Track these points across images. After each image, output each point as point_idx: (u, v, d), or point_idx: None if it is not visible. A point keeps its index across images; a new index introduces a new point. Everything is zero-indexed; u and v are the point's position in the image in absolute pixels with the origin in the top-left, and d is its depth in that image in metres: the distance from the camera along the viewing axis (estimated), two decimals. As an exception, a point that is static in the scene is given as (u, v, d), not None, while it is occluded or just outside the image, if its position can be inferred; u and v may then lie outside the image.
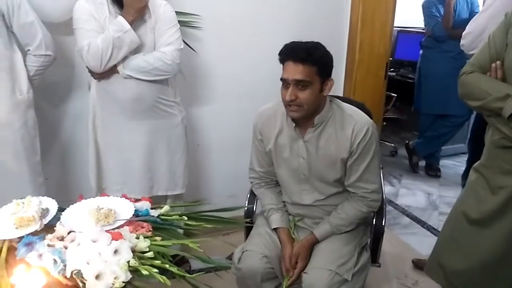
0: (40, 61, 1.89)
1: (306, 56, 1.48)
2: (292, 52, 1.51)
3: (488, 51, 1.56)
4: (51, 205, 1.25)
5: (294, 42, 1.55)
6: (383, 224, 1.79)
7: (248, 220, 1.85)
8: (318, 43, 1.56)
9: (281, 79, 1.54)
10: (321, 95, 1.55)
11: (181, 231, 1.34)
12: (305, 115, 1.56)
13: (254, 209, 1.91)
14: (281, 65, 1.56)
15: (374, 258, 1.80)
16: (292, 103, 1.52)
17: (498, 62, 1.51)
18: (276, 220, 1.72)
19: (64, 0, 1.92)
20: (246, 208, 1.89)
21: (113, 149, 2.00)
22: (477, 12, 3.29)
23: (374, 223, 1.80)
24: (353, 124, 1.58)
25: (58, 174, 2.30)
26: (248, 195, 1.93)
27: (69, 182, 2.33)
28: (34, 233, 1.12)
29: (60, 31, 2.02)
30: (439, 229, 2.52)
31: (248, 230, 1.83)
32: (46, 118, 2.12)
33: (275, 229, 1.72)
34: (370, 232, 1.82)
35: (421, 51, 3.66)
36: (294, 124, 1.63)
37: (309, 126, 1.62)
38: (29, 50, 1.86)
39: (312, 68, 1.49)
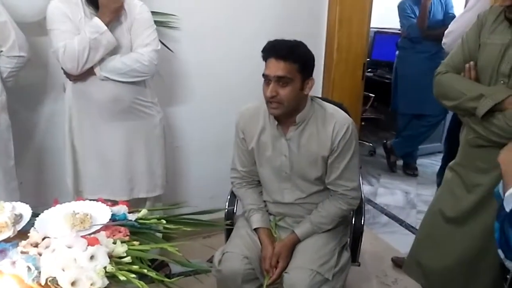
0: (14, 62, 1.84)
1: (288, 54, 1.51)
2: (274, 49, 1.54)
3: (462, 51, 1.59)
4: (25, 210, 1.22)
5: (277, 39, 1.57)
6: (362, 223, 1.80)
7: (228, 222, 1.84)
8: (300, 42, 1.59)
9: (263, 75, 1.56)
10: (302, 93, 1.58)
11: (159, 235, 1.32)
12: (285, 112, 1.58)
13: (235, 211, 1.91)
14: (263, 63, 1.57)
15: (354, 257, 1.81)
16: (272, 100, 1.54)
17: (471, 62, 1.55)
18: (257, 221, 1.72)
19: (37, 0, 1.87)
20: (226, 210, 1.89)
21: (91, 152, 1.97)
22: (452, 13, 3.38)
23: (353, 222, 1.81)
24: (333, 122, 1.61)
25: (34, 177, 2.24)
26: (229, 197, 1.92)
27: (44, 185, 2.28)
28: (7, 240, 1.09)
29: (33, 32, 1.97)
30: (417, 227, 2.56)
31: (229, 233, 1.82)
32: (20, 121, 2.06)
33: (255, 229, 1.72)
34: (350, 232, 1.84)
35: (397, 52, 3.72)
36: (276, 122, 1.65)
37: (291, 125, 1.64)
38: (1, 51, 1.81)
39: (293, 65, 1.51)
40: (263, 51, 1.57)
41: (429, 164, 4.02)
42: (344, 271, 1.69)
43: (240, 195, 1.83)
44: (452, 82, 1.56)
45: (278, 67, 1.51)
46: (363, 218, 1.81)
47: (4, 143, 1.86)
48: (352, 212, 1.80)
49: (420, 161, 3.95)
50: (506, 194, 1.03)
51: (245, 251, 1.65)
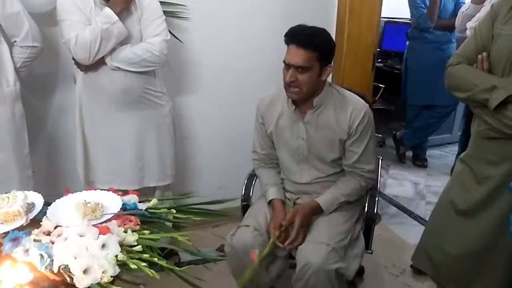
0: (27, 52, 1.85)
1: (308, 42, 1.55)
2: (296, 37, 1.58)
3: (475, 42, 1.57)
4: (37, 199, 1.23)
5: (300, 25, 1.62)
6: (375, 212, 1.84)
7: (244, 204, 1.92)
8: (322, 29, 1.64)
9: (284, 61, 1.61)
10: (319, 79, 1.63)
11: (169, 224, 1.34)
12: (303, 97, 1.65)
13: (251, 194, 1.97)
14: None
15: (366, 245, 1.83)
16: (291, 85, 1.60)
17: (484, 53, 1.53)
18: (272, 193, 1.78)
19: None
20: (243, 191, 1.96)
21: (101, 141, 1.98)
22: (463, 3, 3.33)
23: (366, 210, 1.84)
24: (351, 107, 1.68)
25: (45, 167, 2.27)
26: (246, 181, 1.99)
27: (56, 175, 2.31)
28: (20, 228, 1.10)
29: (43, 22, 1.98)
30: (426, 219, 2.56)
31: (244, 213, 1.88)
32: (31, 110, 2.08)
33: (270, 202, 1.76)
34: (363, 220, 1.86)
35: (407, 42, 3.67)
36: (294, 107, 1.71)
37: (309, 108, 1.70)
38: (15, 41, 1.83)
39: (313, 53, 1.56)
40: (285, 36, 1.61)
41: (439, 155, 4.00)
42: (359, 256, 1.70)
43: (259, 173, 1.91)
44: (464, 73, 1.55)
45: (297, 55, 1.56)
46: (376, 207, 1.84)
47: (18, 132, 1.88)
48: (365, 199, 1.84)
49: (429, 152, 3.92)
50: None
51: (257, 224, 1.71)
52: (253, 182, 1.98)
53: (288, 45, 1.60)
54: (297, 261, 1.60)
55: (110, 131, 1.96)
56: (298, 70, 1.57)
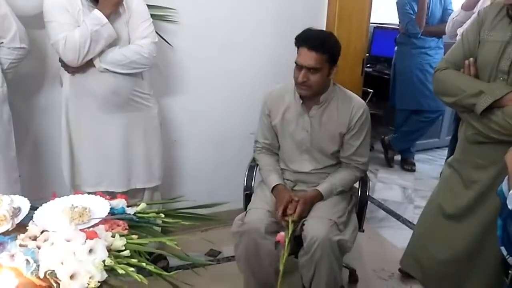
0: (15, 53, 1.83)
1: (320, 45, 1.70)
2: (308, 40, 1.72)
3: (462, 48, 1.59)
4: (23, 203, 1.21)
5: (310, 29, 1.77)
6: (367, 193, 2.01)
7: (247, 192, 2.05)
8: (330, 33, 1.85)
9: (296, 62, 1.75)
10: (328, 78, 1.79)
11: (158, 228, 1.33)
12: (312, 95, 1.81)
13: (253, 184, 2.07)
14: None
15: (359, 225, 1.96)
16: (303, 84, 1.74)
17: (471, 59, 1.55)
18: (274, 179, 1.91)
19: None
20: (245, 183, 2.06)
21: (88, 144, 1.97)
22: (450, 10, 3.38)
23: (359, 192, 2.01)
24: (352, 104, 1.86)
25: (31, 170, 2.23)
26: (247, 172, 2.08)
27: (42, 179, 2.27)
28: (5, 233, 1.09)
29: (30, 24, 1.96)
30: (415, 222, 2.57)
31: (247, 203, 1.98)
32: (17, 113, 2.05)
33: (273, 188, 1.88)
34: (356, 203, 2.02)
35: (396, 48, 3.71)
36: (301, 101, 1.85)
37: (315, 104, 1.85)
38: (2, 42, 1.80)
39: (323, 56, 1.71)
40: (296, 39, 1.75)
41: (427, 159, 4.03)
42: (355, 231, 1.86)
43: (259, 158, 2.04)
44: (451, 79, 1.57)
45: (310, 57, 1.70)
46: (368, 189, 2.01)
47: (6, 135, 1.86)
48: (359, 184, 2.02)
49: (418, 157, 3.95)
50: (510, 192, 1.04)
51: (267, 206, 1.83)
52: (254, 173, 2.07)
53: (299, 48, 1.74)
54: (304, 236, 1.73)
55: (97, 134, 1.95)
56: (310, 71, 1.71)
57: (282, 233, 1.68)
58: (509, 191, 1.06)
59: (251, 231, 1.75)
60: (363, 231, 2.04)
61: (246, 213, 1.84)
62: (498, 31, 1.50)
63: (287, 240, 1.65)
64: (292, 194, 1.81)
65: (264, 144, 2.01)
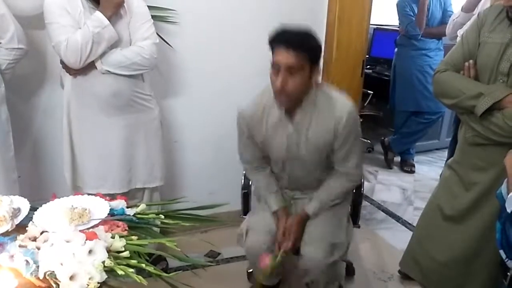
0: (13, 54, 1.84)
1: (298, 43, 1.50)
2: (284, 38, 1.51)
3: (462, 50, 1.59)
4: (23, 204, 1.21)
5: (284, 26, 1.54)
6: (362, 192, 2.00)
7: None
8: (308, 28, 1.57)
9: (272, 63, 1.55)
10: (309, 81, 1.59)
11: (157, 229, 1.33)
12: (293, 103, 1.62)
13: (249, 192, 2.06)
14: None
15: (355, 221, 1.99)
16: (282, 92, 1.54)
17: (471, 61, 1.55)
18: (274, 203, 1.83)
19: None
20: (242, 182, 2.04)
21: (90, 145, 1.96)
22: (450, 11, 3.38)
23: (354, 191, 1.96)
24: (338, 108, 1.66)
25: (31, 171, 2.23)
26: (242, 178, 2.05)
27: (42, 179, 2.27)
28: (5, 234, 1.09)
29: (29, 24, 1.96)
30: (414, 224, 2.57)
31: (245, 205, 2.02)
32: (16, 113, 2.05)
33: (274, 212, 1.83)
34: (350, 201, 2.00)
35: (396, 49, 3.71)
36: (283, 110, 1.67)
37: (298, 110, 1.66)
38: (0, 43, 1.81)
39: (303, 54, 1.50)
40: (271, 38, 1.54)
41: (427, 161, 4.03)
42: (351, 237, 1.85)
43: (253, 178, 1.94)
44: (451, 81, 1.57)
45: (288, 56, 1.48)
46: (362, 188, 1.99)
47: (3, 135, 1.86)
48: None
49: (417, 158, 3.95)
50: (510, 195, 1.04)
51: (267, 226, 1.79)
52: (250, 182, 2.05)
53: (274, 48, 1.54)
54: (300, 258, 1.72)
55: (99, 136, 1.95)
56: (289, 72, 1.50)
57: (268, 255, 1.64)
58: (508, 194, 1.06)
59: (254, 253, 1.75)
60: (359, 227, 2.05)
61: (247, 232, 1.82)
62: (498, 33, 1.50)
63: (269, 267, 1.62)
64: (287, 223, 1.76)
65: (253, 161, 1.88)
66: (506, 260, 1.05)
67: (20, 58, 1.87)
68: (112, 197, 1.35)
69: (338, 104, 1.67)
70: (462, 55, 1.58)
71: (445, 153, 3.39)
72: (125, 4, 1.84)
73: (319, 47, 1.58)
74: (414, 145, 3.84)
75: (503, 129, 1.44)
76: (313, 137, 1.70)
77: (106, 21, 1.74)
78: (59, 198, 1.28)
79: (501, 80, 1.49)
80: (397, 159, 3.89)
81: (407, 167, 3.80)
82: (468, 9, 2.65)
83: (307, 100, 1.64)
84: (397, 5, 3.56)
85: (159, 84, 2.25)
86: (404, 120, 3.69)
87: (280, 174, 1.87)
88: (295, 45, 1.48)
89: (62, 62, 1.86)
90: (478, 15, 1.61)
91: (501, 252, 1.05)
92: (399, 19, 3.57)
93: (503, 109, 1.44)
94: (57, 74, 2.04)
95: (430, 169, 3.83)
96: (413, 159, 3.88)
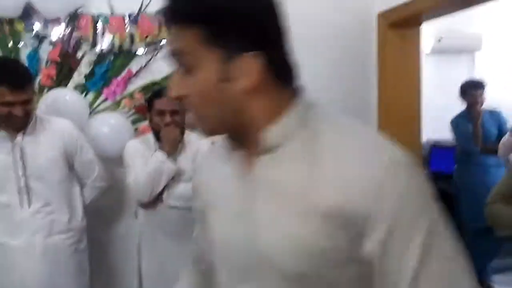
0: (96, 191, 2.13)
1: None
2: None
3: (509, 179, 1.61)
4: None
5: None
6: None
7: None
8: None
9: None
10: (231, 87, 0.71)
11: None
12: (215, 129, 0.77)
13: None
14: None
15: None
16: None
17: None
18: None
19: (120, 140, 2.22)
20: None
21: (156, 277, 2.04)
22: (506, 125, 3.38)
23: None
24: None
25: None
26: None
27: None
28: None
29: (113, 163, 2.28)
30: None
31: None
32: (94, 240, 2.22)
33: None
34: None
35: (455, 165, 3.68)
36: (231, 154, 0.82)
37: (254, 154, 0.73)
38: (86, 182, 2.10)
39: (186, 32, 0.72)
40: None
41: (509, 281, 3.68)
42: None
43: None
44: (501, 214, 1.57)
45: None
46: None
47: (81, 262, 2.04)
48: None
49: (495, 278, 3.64)
50: None
51: None
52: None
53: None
54: None
55: (165, 265, 2.01)
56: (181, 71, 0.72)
57: None
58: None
59: None
60: None
61: None
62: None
63: None
64: None
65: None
66: None
67: (101, 193, 2.15)
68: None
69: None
70: (510, 183, 1.59)
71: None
72: (185, 139, 2.03)
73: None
74: (488, 265, 3.57)
75: None
76: (288, 207, 0.70)
77: (164, 157, 1.92)
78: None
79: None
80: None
81: (484, 288, 3.51)
82: None
83: (270, 134, 0.70)
84: (451, 124, 3.61)
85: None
86: (473, 239, 3.49)
87: None
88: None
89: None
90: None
91: None
92: (455, 137, 3.61)
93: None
94: (132, 206, 2.28)
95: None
96: (490, 280, 3.58)
